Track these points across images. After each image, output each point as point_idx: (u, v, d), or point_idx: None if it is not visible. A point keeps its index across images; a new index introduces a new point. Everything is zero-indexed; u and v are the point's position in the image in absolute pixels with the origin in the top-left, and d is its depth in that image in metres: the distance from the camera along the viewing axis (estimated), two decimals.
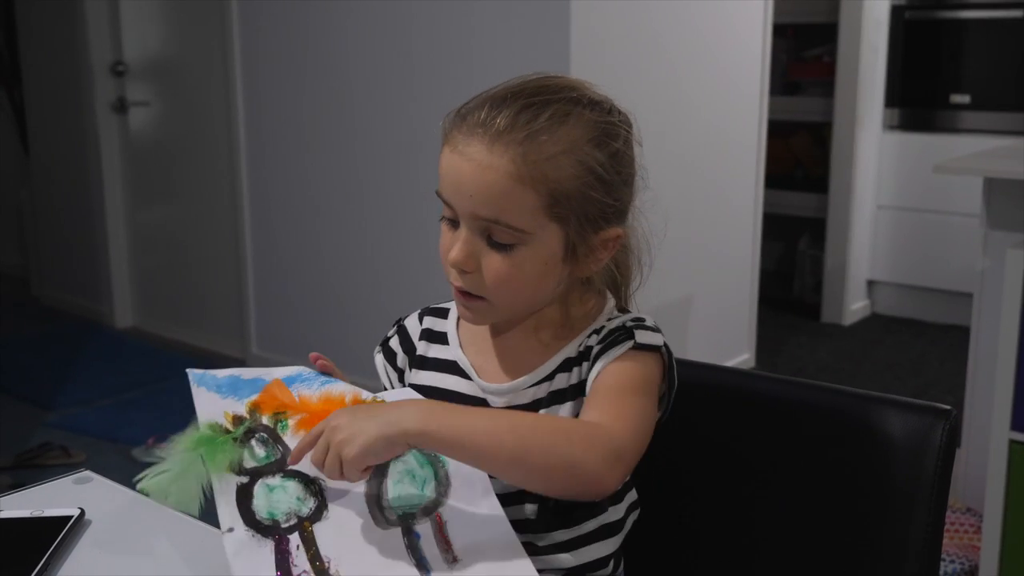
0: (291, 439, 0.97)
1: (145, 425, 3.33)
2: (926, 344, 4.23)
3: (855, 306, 4.60)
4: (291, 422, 0.98)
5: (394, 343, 1.17)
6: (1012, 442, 2.08)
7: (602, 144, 1.00)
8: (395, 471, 0.95)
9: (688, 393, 1.14)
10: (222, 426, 0.98)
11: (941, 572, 2.21)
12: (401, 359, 1.15)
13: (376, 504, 0.93)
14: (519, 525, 1.06)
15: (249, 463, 0.95)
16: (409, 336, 1.16)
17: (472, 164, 0.97)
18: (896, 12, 4.41)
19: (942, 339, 4.26)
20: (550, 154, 0.97)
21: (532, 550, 1.06)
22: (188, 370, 1.03)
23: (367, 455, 0.90)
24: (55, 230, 4.93)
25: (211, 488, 0.94)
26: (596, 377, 1.02)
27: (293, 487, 0.94)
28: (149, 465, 0.99)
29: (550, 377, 1.06)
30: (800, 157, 4.91)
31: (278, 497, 0.94)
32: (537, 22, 2.90)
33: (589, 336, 1.07)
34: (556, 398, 1.06)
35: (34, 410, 3.60)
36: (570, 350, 1.07)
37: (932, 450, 1.05)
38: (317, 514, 0.93)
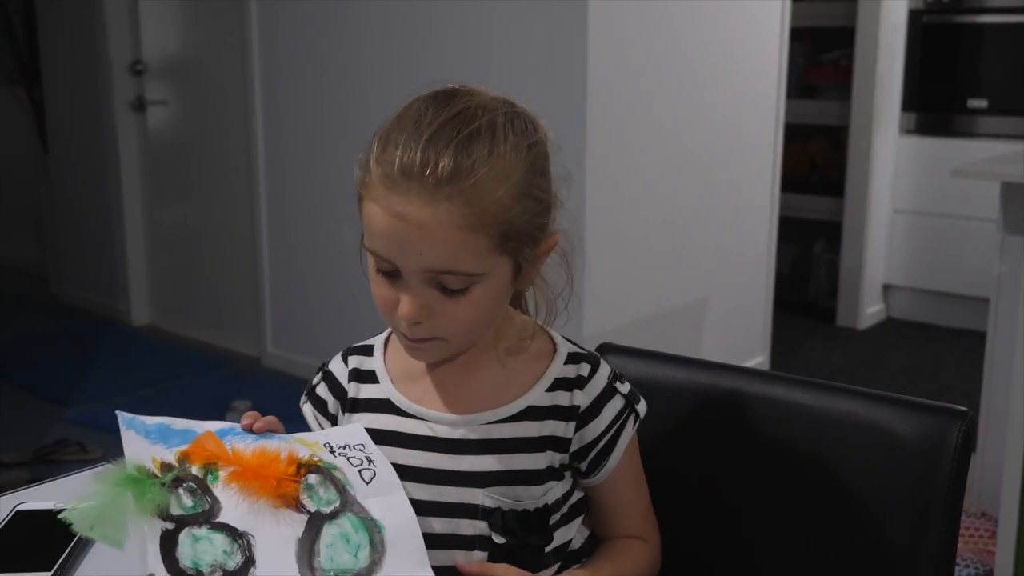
0: (222, 491, 0.93)
1: None
2: (942, 349, 4.22)
3: (870, 310, 4.59)
4: (223, 474, 0.94)
5: (322, 390, 1.10)
6: None
7: (535, 166, 0.95)
8: (328, 533, 0.92)
9: (702, 394, 1.14)
10: (149, 470, 0.94)
11: None
12: (332, 405, 1.09)
13: (307, 566, 0.90)
14: (468, 541, 1.01)
15: (175, 510, 0.92)
16: (336, 380, 1.10)
17: (414, 224, 0.91)
18: (913, 16, 4.40)
19: (958, 344, 4.24)
20: (494, 194, 0.91)
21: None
22: (118, 412, 1.00)
23: None
24: (73, 228, 4.96)
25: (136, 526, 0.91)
26: (617, 468, 1.03)
27: (220, 540, 0.91)
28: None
29: (514, 420, 1.00)
30: (816, 160, 4.90)
31: (203, 548, 0.90)
32: (555, 25, 2.91)
33: (565, 387, 1.01)
34: (521, 446, 1.00)
35: (51, 406, 3.63)
36: (536, 395, 1.01)
37: (948, 452, 1.04)
38: (244, 570, 0.89)
